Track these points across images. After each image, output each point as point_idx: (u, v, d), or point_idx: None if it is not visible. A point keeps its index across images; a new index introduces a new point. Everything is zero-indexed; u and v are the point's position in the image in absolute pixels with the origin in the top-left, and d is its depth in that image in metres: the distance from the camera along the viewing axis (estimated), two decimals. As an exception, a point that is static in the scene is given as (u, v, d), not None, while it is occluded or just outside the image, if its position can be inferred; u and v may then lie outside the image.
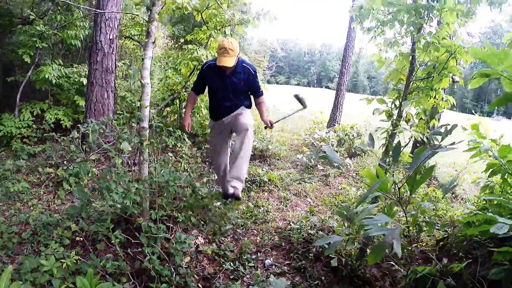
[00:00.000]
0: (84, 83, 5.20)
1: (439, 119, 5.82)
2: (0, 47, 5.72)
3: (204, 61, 3.47)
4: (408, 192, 1.92)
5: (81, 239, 2.61)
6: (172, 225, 2.82)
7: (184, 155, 4.84)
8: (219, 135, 3.40)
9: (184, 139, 5.04)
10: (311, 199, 4.42)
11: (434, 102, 2.94)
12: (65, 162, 4.06)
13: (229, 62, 3.02)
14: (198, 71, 3.42)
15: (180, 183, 2.83)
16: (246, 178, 3.85)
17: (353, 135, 6.51)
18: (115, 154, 2.31)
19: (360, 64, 65.16)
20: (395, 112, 2.85)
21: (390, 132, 2.81)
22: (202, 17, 4.66)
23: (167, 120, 6.46)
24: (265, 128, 3.38)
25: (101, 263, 2.27)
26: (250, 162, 5.04)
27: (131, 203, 2.22)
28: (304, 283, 2.69)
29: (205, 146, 5.46)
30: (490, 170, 2.71)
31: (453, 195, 5.02)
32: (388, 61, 3.26)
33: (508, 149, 2.48)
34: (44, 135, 5.10)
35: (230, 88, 3.20)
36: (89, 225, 2.54)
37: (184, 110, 4.03)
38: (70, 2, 5.27)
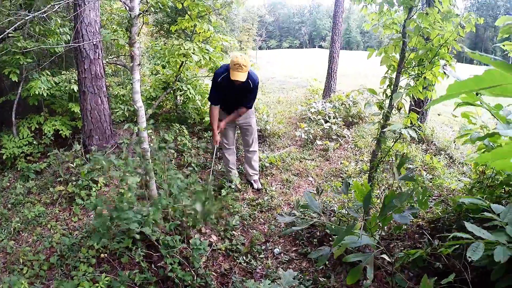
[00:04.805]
0: (75, 90, 5.22)
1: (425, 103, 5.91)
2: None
3: (216, 72, 3.94)
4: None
5: (105, 255, 2.83)
6: (186, 230, 3.04)
7: (185, 149, 5.00)
8: (230, 127, 4.11)
9: (183, 131, 5.20)
10: (312, 178, 4.62)
11: (424, 92, 2.99)
12: (72, 176, 4.19)
13: (242, 77, 3.57)
14: (212, 83, 3.91)
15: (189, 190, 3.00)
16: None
17: (349, 104, 6.59)
18: (126, 187, 2.46)
19: (351, 19, 63.60)
20: (387, 102, 2.87)
21: (381, 124, 2.87)
22: (183, 5, 4.68)
23: (163, 110, 6.56)
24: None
25: (129, 277, 2.51)
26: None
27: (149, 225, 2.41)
28: (310, 268, 2.94)
29: (205, 134, 5.59)
30: (482, 150, 2.82)
31: (451, 159, 5.18)
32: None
33: (498, 136, 2.60)
34: (46, 149, 5.19)
35: (236, 97, 3.86)
36: (110, 241, 2.76)
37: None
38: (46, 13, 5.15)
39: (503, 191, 2.82)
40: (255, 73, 3.90)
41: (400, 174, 2.55)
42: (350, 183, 2.63)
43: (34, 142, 5.17)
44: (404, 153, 2.76)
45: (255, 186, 4.26)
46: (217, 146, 4.01)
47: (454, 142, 5.49)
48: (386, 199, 2.08)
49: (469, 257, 1.73)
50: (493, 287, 1.94)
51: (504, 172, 2.82)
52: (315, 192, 3.12)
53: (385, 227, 3.34)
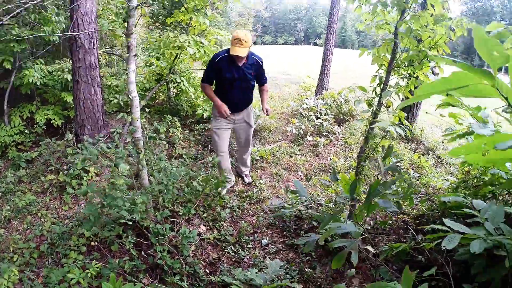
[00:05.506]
0: (69, 79, 5.22)
1: (419, 104, 6.04)
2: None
3: (215, 54, 3.66)
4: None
5: (96, 243, 2.89)
6: (175, 219, 3.12)
7: (177, 140, 5.06)
8: (225, 128, 3.78)
9: (175, 123, 5.25)
10: (302, 172, 4.71)
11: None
12: (64, 165, 4.21)
13: (242, 52, 3.34)
14: (209, 63, 3.68)
15: (179, 180, 3.07)
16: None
17: (341, 102, 6.69)
18: (118, 174, 2.51)
19: (347, 18, 63.81)
20: (376, 100, 2.90)
21: (369, 121, 2.91)
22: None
23: (155, 102, 6.59)
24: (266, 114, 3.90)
25: (119, 265, 2.57)
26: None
27: (138, 213, 2.47)
28: (297, 259, 3.02)
29: (197, 127, 5.64)
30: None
31: (439, 159, 5.30)
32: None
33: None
34: (37, 138, 5.20)
35: (242, 78, 3.56)
36: (101, 230, 2.81)
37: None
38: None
39: (487, 191, 2.89)
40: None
41: (385, 165, 2.61)
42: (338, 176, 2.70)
43: (26, 131, 5.17)
44: (390, 145, 2.83)
45: (246, 180, 4.31)
46: (229, 113, 3.60)
47: (443, 143, 5.61)
48: (371, 188, 2.15)
49: (444, 246, 1.79)
50: (474, 281, 2.01)
51: (488, 171, 2.92)
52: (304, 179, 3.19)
53: (371, 222, 3.45)
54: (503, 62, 0.80)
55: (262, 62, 3.72)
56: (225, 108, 3.56)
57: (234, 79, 3.54)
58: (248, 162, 4.32)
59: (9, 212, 3.65)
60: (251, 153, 4.64)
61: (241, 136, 3.96)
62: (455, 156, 0.96)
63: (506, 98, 0.90)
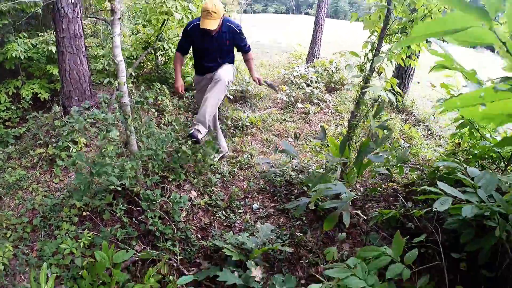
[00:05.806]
0: (53, 51, 5.05)
1: (410, 75, 5.99)
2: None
3: (189, 22, 3.51)
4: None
5: (88, 213, 2.88)
6: (166, 185, 3.11)
7: (166, 108, 4.99)
8: (204, 89, 3.60)
9: (164, 91, 5.16)
10: (292, 138, 4.70)
11: (408, 60, 3.01)
12: (52, 138, 4.15)
13: (212, 25, 3.15)
14: (183, 32, 3.56)
15: (168, 145, 3.04)
16: (209, 121, 3.79)
17: (332, 70, 6.61)
18: (107, 141, 2.46)
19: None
20: (368, 65, 2.84)
21: (361, 86, 2.87)
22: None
23: (143, 71, 6.44)
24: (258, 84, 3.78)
25: (111, 233, 2.57)
26: (231, 105, 5.42)
27: (127, 178, 2.45)
28: (288, 223, 3.05)
29: (186, 94, 5.55)
30: (459, 122, 2.87)
31: (429, 131, 5.33)
32: None
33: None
34: (24, 113, 5.11)
35: (216, 48, 3.41)
36: (92, 199, 2.80)
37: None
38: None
39: (477, 164, 2.90)
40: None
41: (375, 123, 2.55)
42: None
43: (12, 107, 5.07)
44: (380, 103, 2.79)
45: (190, 130, 3.41)
46: (182, 92, 3.68)
47: (433, 115, 5.63)
48: (362, 146, 2.10)
49: (435, 208, 1.74)
50: (463, 250, 2.01)
51: (478, 144, 2.93)
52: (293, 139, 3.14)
53: (362, 189, 3.48)
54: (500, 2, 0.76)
55: (240, 29, 3.48)
56: (179, 85, 3.60)
57: (207, 49, 3.43)
58: (206, 114, 3.45)
59: (0, 189, 3.61)
60: (240, 119, 4.52)
61: (213, 79, 3.48)
62: (450, 109, 0.92)
63: (504, 44, 0.86)
